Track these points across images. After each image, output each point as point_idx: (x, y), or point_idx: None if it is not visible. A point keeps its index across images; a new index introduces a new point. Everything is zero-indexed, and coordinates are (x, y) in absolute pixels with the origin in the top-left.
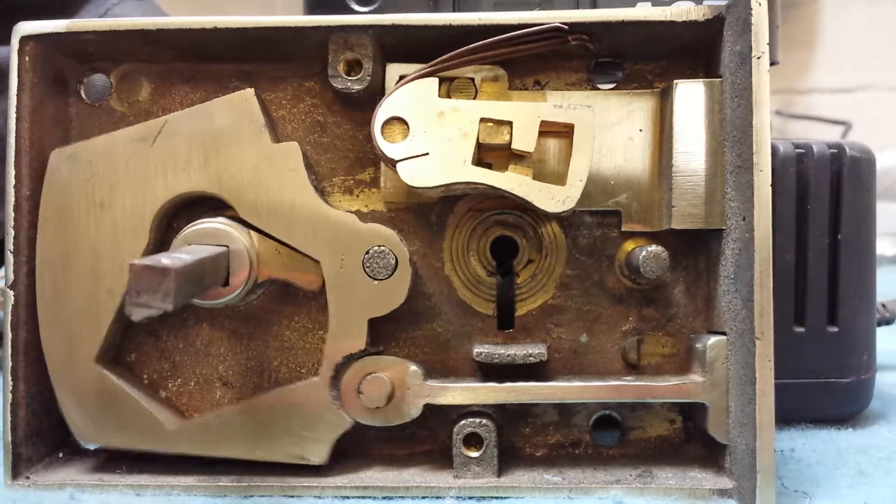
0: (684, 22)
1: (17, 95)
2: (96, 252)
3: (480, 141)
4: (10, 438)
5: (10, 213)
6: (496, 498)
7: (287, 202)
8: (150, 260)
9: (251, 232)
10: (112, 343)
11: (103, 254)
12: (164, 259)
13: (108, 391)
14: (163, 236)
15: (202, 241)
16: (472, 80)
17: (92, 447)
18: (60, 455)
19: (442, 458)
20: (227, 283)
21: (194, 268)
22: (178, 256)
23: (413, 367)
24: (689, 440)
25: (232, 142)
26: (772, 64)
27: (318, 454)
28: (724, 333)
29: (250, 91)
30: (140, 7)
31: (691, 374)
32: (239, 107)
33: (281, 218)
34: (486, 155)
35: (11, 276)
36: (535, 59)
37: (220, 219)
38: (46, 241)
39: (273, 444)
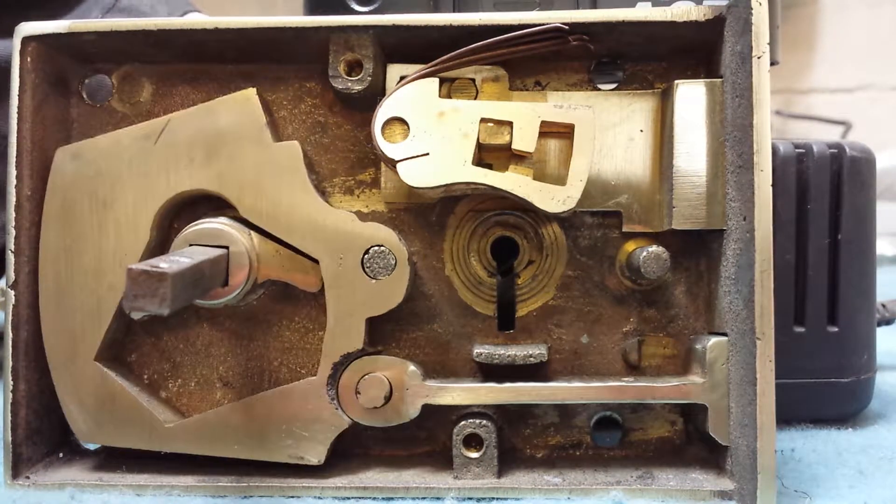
0: (685, 22)
1: (19, 96)
2: (99, 249)
3: (481, 141)
4: (10, 438)
5: (12, 213)
6: (496, 499)
7: (287, 202)
8: (148, 264)
9: (252, 233)
10: (113, 341)
11: (106, 251)
12: (162, 263)
13: (108, 390)
14: (165, 234)
15: (202, 241)
16: (473, 80)
17: (92, 447)
18: (60, 455)
19: (442, 458)
20: (226, 284)
21: (192, 271)
22: (177, 260)
23: (412, 368)
24: (690, 441)
25: (233, 141)
26: (772, 64)
27: (316, 454)
28: (725, 334)
29: (252, 91)
30: None
31: (691, 375)
32: (240, 106)
33: (281, 217)
34: (486, 155)
35: (12, 276)
36: (535, 60)
37: (221, 219)
38: (50, 238)
39: (271, 443)
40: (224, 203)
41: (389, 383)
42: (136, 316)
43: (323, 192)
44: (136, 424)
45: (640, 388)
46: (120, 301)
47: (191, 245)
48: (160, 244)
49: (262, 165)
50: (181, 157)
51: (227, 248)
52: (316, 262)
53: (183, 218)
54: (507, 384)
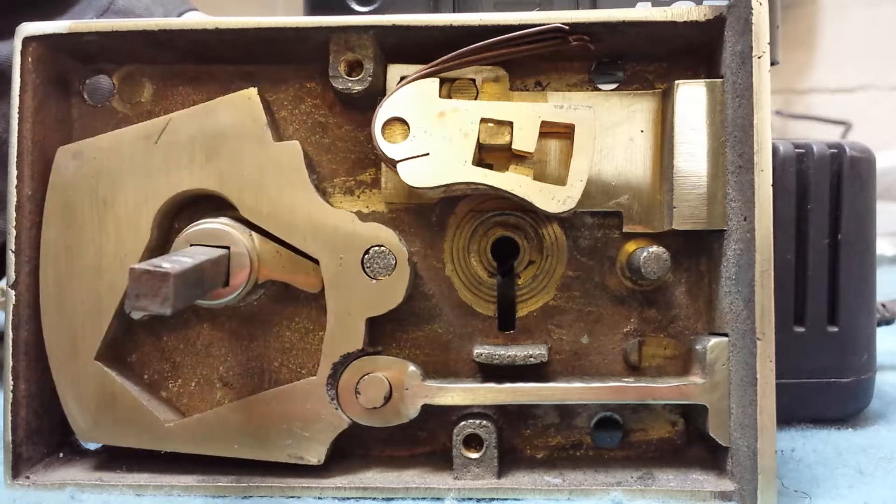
0: (685, 22)
1: (20, 96)
2: (99, 248)
3: (481, 141)
4: (10, 438)
5: (12, 213)
6: (496, 499)
7: (288, 201)
8: (150, 264)
9: (253, 233)
10: (113, 340)
11: (106, 250)
12: (165, 263)
13: (109, 389)
14: (166, 234)
15: (204, 241)
16: (473, 80)
17: (93, 447)
18: (60, 455)
19: (442, 459)
20: (227, 284)
21: (194, 271)
22: (179, 260)
23: (412, 368)
24: (691, 442)
25: (234, 141)
26: (772, 64)
27: (316, 454)
28: (725, 335)
29: (253, 90)
30: None
31: (691, 376)
32: (242, 106)
33: (282, 217)
34: (486, 155)
35: (13, 276)
36: (536, 60)
37: (222, 219)
38: (50, 237)
39: (271, 443)
40: (224, 203)
41: (389, 384)
42: (136, 316)
43: (323, 193)
44: (135, 424)
45: (641, 389)
46: (121, 300)
47: (192, 245)
48: (161, 244)
49: (262, 165)
50: (182, 156)
51: (228, 248)
52: (316, 262)
53: (184, 217)
54: (507, 384)
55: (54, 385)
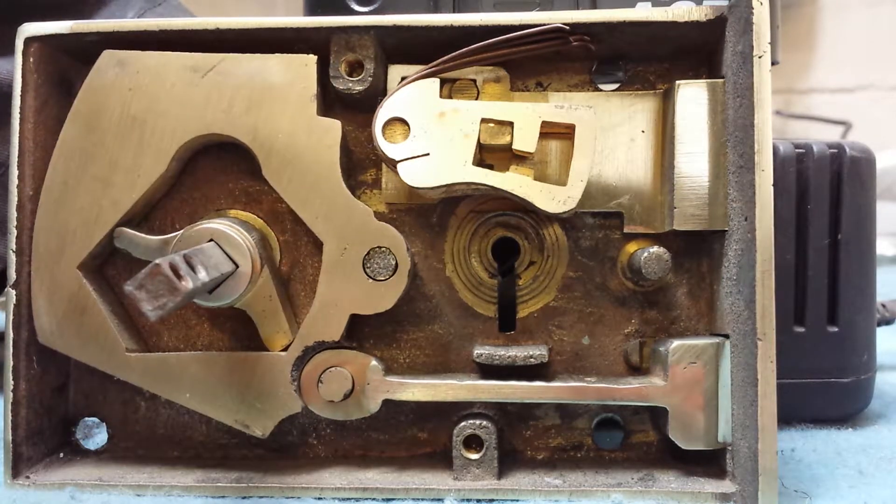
0: (686, 22)
1: (21, 96)
2: (115, 162)
3: (481, 142)
4: (10, 438)
5: (13, 213)
6: (496, 500)
7: (313, 175)
8: (173, 266)
9: (266, 267)
10: (100, 254)
11: (120, 165)
12: (185, 274)
13: (82, 300)
14: (181, 168)
15: (224, 245)
16: (474, 81)
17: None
18: (60, 455)
19: (442, 460)
20: (210, 292)
21: (200, 288)
22: (196, 270)
23: (373, 362)
24: None
25: (279, 100)
26: (772, 64)
27: (262, 427)
28: (726, 336)
29: (313, 57)
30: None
31: (653, 378)
32: (296, 69)
33: (301, 188)
34: (487, 156)
35: (14, 276)
36: (536, 61)
37: (255, 234)
38: (71, 134)
39: (222, 403)
40: (248, 157)
41: (353, 380)
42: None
43: (350, 178)
44: (97, 342)
45: (600, 390)
46: (119, 219)
47: (211, 241)
48: (173, 176)
49: (299, 132)
50: (223, 98)
51: (237, 266)
52: (288, 333)
53: (205, 159)
54: (467, 381)
55: (54, 385)
